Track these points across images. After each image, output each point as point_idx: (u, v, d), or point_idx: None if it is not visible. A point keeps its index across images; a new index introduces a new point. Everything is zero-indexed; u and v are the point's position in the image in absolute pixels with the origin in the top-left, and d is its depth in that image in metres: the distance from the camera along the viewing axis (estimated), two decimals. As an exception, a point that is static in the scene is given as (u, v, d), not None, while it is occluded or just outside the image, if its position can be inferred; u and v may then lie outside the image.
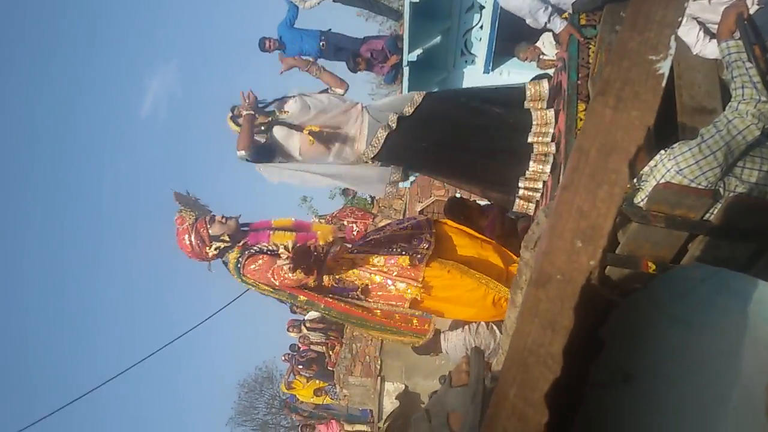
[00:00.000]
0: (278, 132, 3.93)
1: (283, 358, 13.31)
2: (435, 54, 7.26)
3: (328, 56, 7.91)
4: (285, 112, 3.94)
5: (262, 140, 3.95)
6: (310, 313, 13.04)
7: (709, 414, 1.10)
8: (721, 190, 2.62)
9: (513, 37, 6.90)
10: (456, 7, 6.92)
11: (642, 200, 2.72)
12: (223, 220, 3.63)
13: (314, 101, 3.97)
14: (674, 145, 2.67)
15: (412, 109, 3.86)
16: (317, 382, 12.54)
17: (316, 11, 7.97)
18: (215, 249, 3.58)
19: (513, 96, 3.96)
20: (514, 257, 3.75)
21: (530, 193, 3.77)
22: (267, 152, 3.91)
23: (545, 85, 3.86)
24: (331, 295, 3.65)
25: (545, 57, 6.52)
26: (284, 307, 13.48)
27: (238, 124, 3.87)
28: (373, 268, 3.65)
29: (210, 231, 3.57)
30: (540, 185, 3.75)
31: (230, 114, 4.01)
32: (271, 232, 3.76)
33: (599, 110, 0.90)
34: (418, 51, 6.83)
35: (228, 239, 3.61)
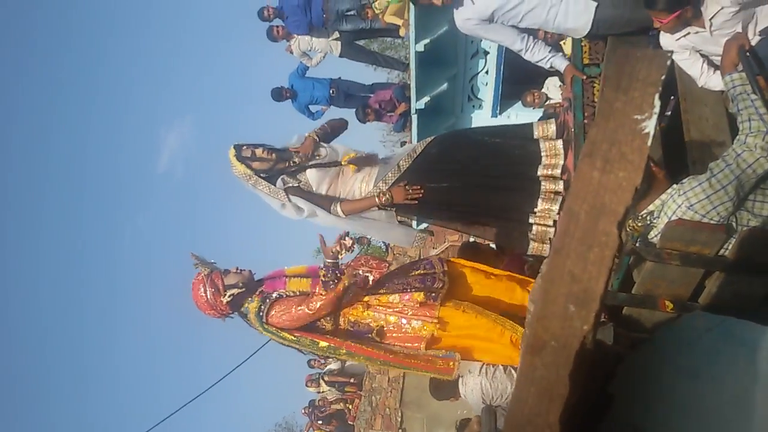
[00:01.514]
0: (312, 174, 3.86)
1: (303, 411, 13.13)
2: (443, 100, 7.34)
3: (338, 103, 8.08)
4: (317, 156, 3.88)
5: (293, 183, 3.84)
6: (328, 366, 12.95)
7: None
8: (734, 224, 2.57)
9: (519, 81, 6.98)
10: (461, 53, 7.02)
11: (655, 237, 2.66)
12: (238, 271, 3.67)
13: (337, 145, 4.03)
14: (684, 181, 2.63)
15: (416, 154, 3.86)
16: (336, 437, 12.36)
17: (325, 61, 8.18)
18: (229, 296, 3.55)
19: (521, 131, 3.92)
20: None
21: (543, 230, 3.71)
22: (302, 194, 3.84)
23: (552, 124, 3.85)
24: (351, 340, 3.66)
25: (551, 101, 6.58)
26: (303, 361, 13.43)
27: (244, 164, 3.79)
28: (387, 309, 3.63)
29: (225, 281, 3.60)
30: (551, 223, 3.71)
31: (234, 152, 3.89)
32: (287, 279, 3.76)
33: (587, 172, 0.91)
34: (426, 99, 6.90)
35: (242, 287, 3.63)
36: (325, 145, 3.96)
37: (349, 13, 7.59)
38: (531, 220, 3.74)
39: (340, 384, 12.13)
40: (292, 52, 8.01)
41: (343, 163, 3.86)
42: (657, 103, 0.98)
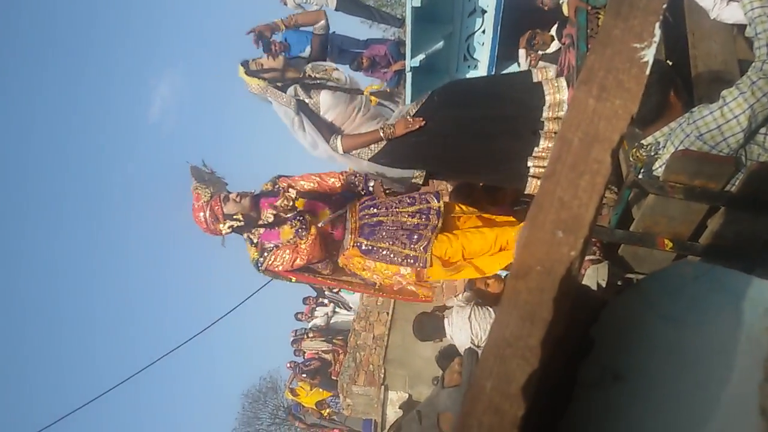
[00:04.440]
0: (326, 97, 3.74)
1: (287, 365, 13.28)
2: (438, 59, 7.24)
3: (333, 58, 7.96)
4: (336, 78, 3.82)
5: (305, 98, 3.73)
6: (313, 321, 13.06)
7: (701, 413, 1.07)
8: (743, 158, 2.42)
9: (515, 41, 6.89)
10: (458, 12, 6.91)
11: (659, 169, 2.54)
12: (238, 199, 3.77)
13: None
14: (694, 109, 2.48)
15: (417, 108, 3.80)
16: (321, 391, 12.51)
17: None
18: (228, 227, 3.73)
19: (521, 77, 3.85)
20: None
21: (542, 171, 3.67)
22: (308, 113, 3.75)
23: (551, 69, 3.75)
24: (343, 282, 3.86)
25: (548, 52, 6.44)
26: (289, 314, 13.56)
27: (256, 77, 3.69)
28: (382, 275, 3.73)
29: (224, 209, 3.73)
30: None
31: (242, 69, 3.79)
32: (280, 231, 3.81)
33: (582, 99, 0.88)
34: (421, 56, 6.81)
35: (241, 218, 3.70)
36: (341, 71, 3.93)
37: (346, -36, 7.46)
38: (530, 163, 3.69)
39: (325, 340, 12.28)
40: (286, 3, 7.86)
41: (365, 93, 3.85)
42: (657, 32, 0.94)
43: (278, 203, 3.61)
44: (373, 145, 3.72)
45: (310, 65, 3.90)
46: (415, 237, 3.60)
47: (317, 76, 3.81)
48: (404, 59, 6.93)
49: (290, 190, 3.65)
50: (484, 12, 6.79)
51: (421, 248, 3.59)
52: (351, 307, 12.35)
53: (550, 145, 3.65)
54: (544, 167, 3.67)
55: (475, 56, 7.20)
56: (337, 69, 3.94)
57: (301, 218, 3.60)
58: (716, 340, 1.15)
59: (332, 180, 3.94)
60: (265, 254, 3.72)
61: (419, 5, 6.25)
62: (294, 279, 3.86)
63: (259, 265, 3.74)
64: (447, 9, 6.88)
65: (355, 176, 3.89)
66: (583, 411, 1.10)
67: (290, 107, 3.69)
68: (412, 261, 3.60)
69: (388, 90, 7.06)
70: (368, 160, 3.75)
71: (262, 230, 3.77)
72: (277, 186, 3.89)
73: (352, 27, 8.70)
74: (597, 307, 1.25)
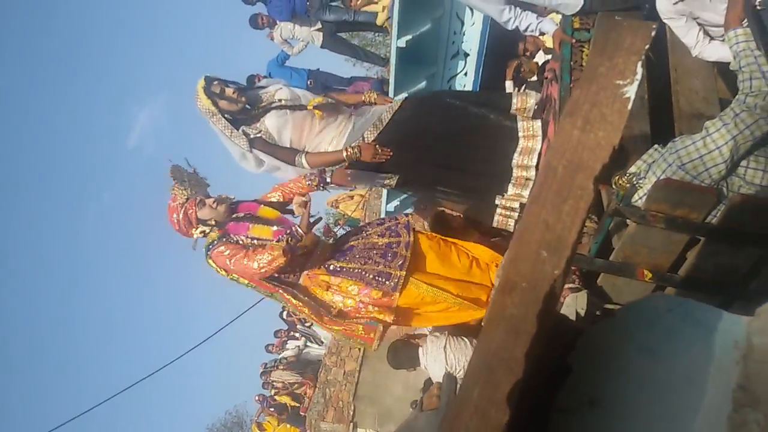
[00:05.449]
0: (271, 120, 3.72)
1: (255, 398, 13.06)
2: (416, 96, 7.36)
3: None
4: (279, 100, 3.77)
5: (254, 133, 3.74)
6: (284, 353, 12.91)
7: (672, 441, 1.10)
8: (725, 190, 2.43)
9: (497, 85, 7.04)
10: (441, 53, 7.05)
11: (640, 198, 2.53)
12: (214, 205, 3.56)
13: (301, 92, 3.92)
14: (676, 139, 2.49)
15: (391, 114, 3.78)
16: (288, 426, 12.29)
17: (305, 51, 8.14)
18: (200, 232, 3.56)
19: (500, 102, 3.86)
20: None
21: (508, 213, 3.69)
22: (266, 147, 3.75)
23: (532, 97, 3.76)
24: (293, 296, 3.62)
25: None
26: (259, 346, 13.38)
27: (211, 99, 3.64)
28: (347, 295, 3.58)
29: (198, 214, 3.54)
30: (516, 206, 3.68)
31: (203, 83, 3.70)
32: (250, 225, 3.65)
33: (567, 130, 0.93)
34: (404, 95, 6.91)
35: (214, 224, 3.58)
36: (285, 86, 3.86)
37: (333, 2, 7.56)
38: (498, 202, 3.70)
39: (297, 372, 12.11)
40: (273, 39, 7.96)
41: (309, 107, 3.76)
42: (639, 70, 1.00)
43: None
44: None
45: (262, 94, 3.86)
46: (389, 255, 3.53)
47: (264, 104, 3.79)
48: (387, 96, 7.02)
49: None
50: (466, 55, 6.95)
51: (397, 266, 3.51)
52: (323, 342, 12.23)
53: (518, 191, 3.68)
54: (510, 208, 3.71)
55: (456, 98, 7.32)
56: (280, 89, 3.88)
57: (291, 231, 3.47)
58: (688, 370, 1.18)
59: (292, 185, 3.81)
60: (223, 240, 3.54)
61: (404, 46, 6.38)
62: (229, 276, 3.60)
63: (210, 248, 3.53)
64: (431, 51, 7.02)
65: (310, 174, 3.78)
66: (560, 435, 1.13)
67: (240, 145, 3.71)
68: (384, 279, 3.49)
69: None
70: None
71: (231, 223, 3.62)
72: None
73: (336, 62, 8.83)
74: (573, 335, 1.28)
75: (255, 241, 3.56)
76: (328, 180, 3.72)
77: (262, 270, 3.43)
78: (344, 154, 3.67)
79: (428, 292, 3.51)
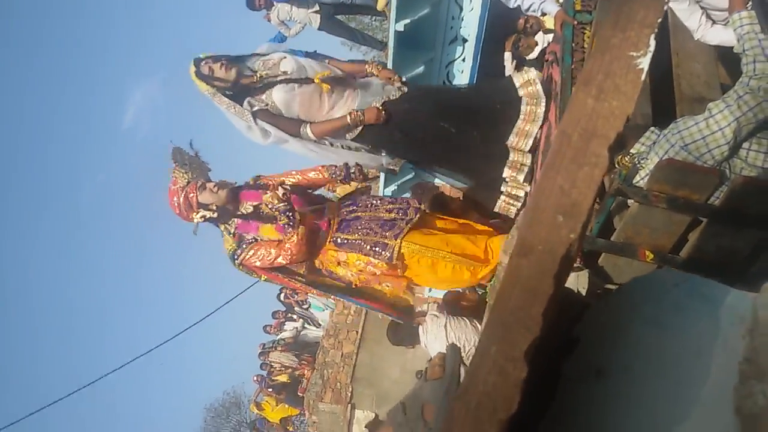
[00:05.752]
0: (279, 94, 3.68)
1: (254, 378, 13.11)
2: (417, 83, 7.34)
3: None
4: (285, 72, 3.71)
5: (260, 105, 3.70)
6: (282, 333, 12.95)
7: (679, 411, 1.12)
8: (727, 171, 2.44)
9: (495, 71, 7.02)
10: (440, 38, 7.02)
11: (642, 179, 2.53)
12: (215, 189, 3.54)
13: (306, 62, 3.85)
14: (678, 120, 2.50)
15: (399, 94, 3.80)
16: (286, 407, 12.35)
17: (303, 34, 8.10)
18: (200, 217, 3.52)
19: (502, 82, 3.90)
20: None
21: (512, 201, 3.72)
22: (271, 118, 3.71)
23: (531, 72, 3.80)
24: (316, 288, 3.74)
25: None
26: (258, 327, 13.42)
27: (205, 81, 3.63)
28: (357, 268, 3.62)
29: (199, 198, 3.51)
30: (522, 194, 3.71)
31: (194, 68, 3.67)
32: (260, 225, 3.65)
33: (582, 99, 0.93)
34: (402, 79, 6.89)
35: (215, 209, 3.56)
36: (290, 56, 3.83)
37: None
38: (503, 188, 3.72)
39: (295, 354, 12.16)
40: (270, 20, 7.91)
41: (316, 80, 3.72)
42: (652, 42, 1.00)
43: (266, 198, 3.50)
44: (348, 134, 3.74)
45: (260, 61, 3.79)
46: (388, 226, 3.56)
47: (268, 73, 3.72)
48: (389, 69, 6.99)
49: (280, 188, 3.51)
50: (465, 41, 6.92)
51: (392, 236, 3.52)
52: (320, 324, 12.25)
53: (513, 174, 3.70)
54: (516, 197, 3.73)
55: (454, 83, 7.31)
56: (285, 58, 3.81)
57: (290, 214, 3.48)
58: (695, 344, 1.20)
59: (313, 174, 3.80)
60: (244, 246, 3.56)
61: (402, 30, 6.35)
62: (264, 277, 3.69)
63: (236, 257, 3.56)
64: (429, 35, 6.98)
65: (336, 166, 3.79)
66: (568, 404, 1.14)
67: (244, 119, 3.68)
68: (379, 249, 3.52)
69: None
70: (351, 140, 3.75)
71: (238, 221, 3.61)
72: (259, 182, 3.77)
73: (333, 47, 8.79)
74: (580, 308, 1.30)
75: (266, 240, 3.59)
76: (353, 175, 3.75)
77: (291, 256, 3.52)
78: (348, 118, 3.67)
79: (424, 254, 3.53)
